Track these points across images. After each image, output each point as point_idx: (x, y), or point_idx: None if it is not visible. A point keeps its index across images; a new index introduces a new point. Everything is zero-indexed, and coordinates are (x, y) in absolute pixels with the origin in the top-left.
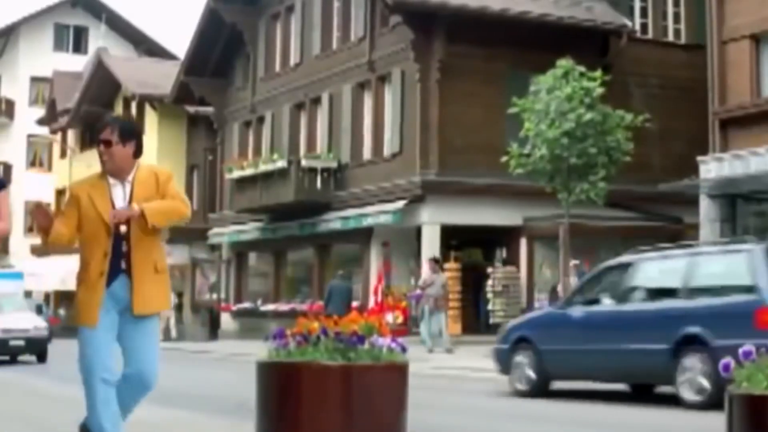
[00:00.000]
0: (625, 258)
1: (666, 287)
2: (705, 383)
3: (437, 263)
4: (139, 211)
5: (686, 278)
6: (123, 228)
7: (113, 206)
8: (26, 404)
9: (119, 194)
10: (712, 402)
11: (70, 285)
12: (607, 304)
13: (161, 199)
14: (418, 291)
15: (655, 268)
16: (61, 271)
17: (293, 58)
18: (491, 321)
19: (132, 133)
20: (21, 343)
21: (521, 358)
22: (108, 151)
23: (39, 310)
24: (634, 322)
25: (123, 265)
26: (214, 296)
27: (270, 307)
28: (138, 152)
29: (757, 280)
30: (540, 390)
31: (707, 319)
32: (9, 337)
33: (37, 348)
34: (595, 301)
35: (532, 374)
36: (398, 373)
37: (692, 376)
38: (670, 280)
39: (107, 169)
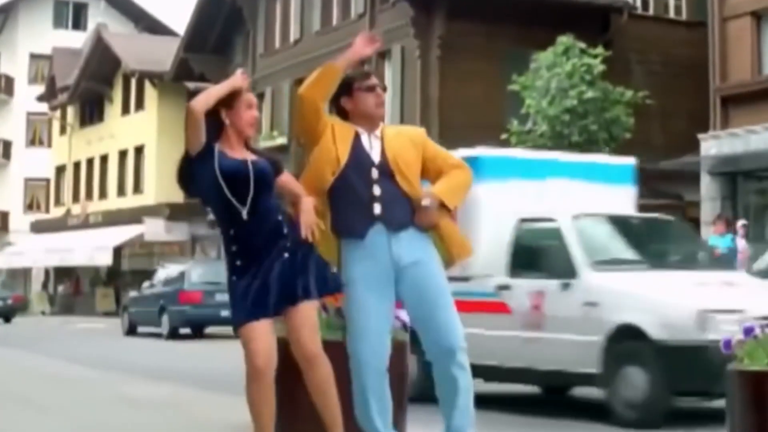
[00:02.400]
0: None
1: None
2: None
3: None
4: (435, 202)
5: None
6: (375, 173)
7: (362, 152)
8: None
9: (367, 144)
10: None
11: (69, 262)
12: None
13: (423, 160)
14: None
15: None
16: (60, 248)
17: (293, 35)
18: None
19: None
20: None
21: None
22: (381, 97)
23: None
24: None
25: (379, 212)
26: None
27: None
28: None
29: None
30: None
31: None
32: None
33: None
34: None
35: None
36: (399, 349)
37: None
38: None
39: (382, 113)
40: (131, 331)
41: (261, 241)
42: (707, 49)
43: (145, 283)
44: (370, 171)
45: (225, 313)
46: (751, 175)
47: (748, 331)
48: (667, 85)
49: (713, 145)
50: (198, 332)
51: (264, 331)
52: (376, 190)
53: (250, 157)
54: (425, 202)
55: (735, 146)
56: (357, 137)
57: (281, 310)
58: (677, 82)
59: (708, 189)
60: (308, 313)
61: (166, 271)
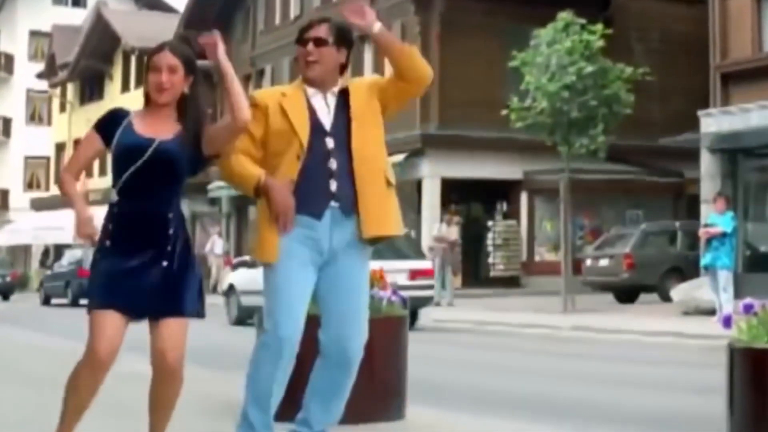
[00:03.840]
0: None
1: None
2: None
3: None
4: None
5: None
6: (330, 143)
7: (314, 120)
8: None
9: (321, 105)
10: None
11: (69, 239)
12: None
13: (379, 96)
14: (433, 244)
15: None
16: (60, 226)
17: (293, 11)
18: (491, 274)
19: (348, 41)
20: None
21: None
22: (319, 50)
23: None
24: None
25: (333, 188)
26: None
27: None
28: (346, 66)
29: None
30: None
31: None
32: None
33: None
34: None
35: None
36: (398, 326)
37: None
38: None
39: (312, 75)
40: (46, 302)
41: (138, 231)
42: (707, 27)
43: (56, 264)
44: (324, 141)
45: None
46: (752, 153)
47: (747, 308)
48: (667, 63)
49: (713, 122)
50: None
51: (117, 324)
52: (332, 163)
53: (164, 134)
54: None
55: (735, 123)
56: (309, 102)
57: (147, 318)
58: (677, 59)
59: (708, 166)
60: (179, 329)
61: (71, 253)
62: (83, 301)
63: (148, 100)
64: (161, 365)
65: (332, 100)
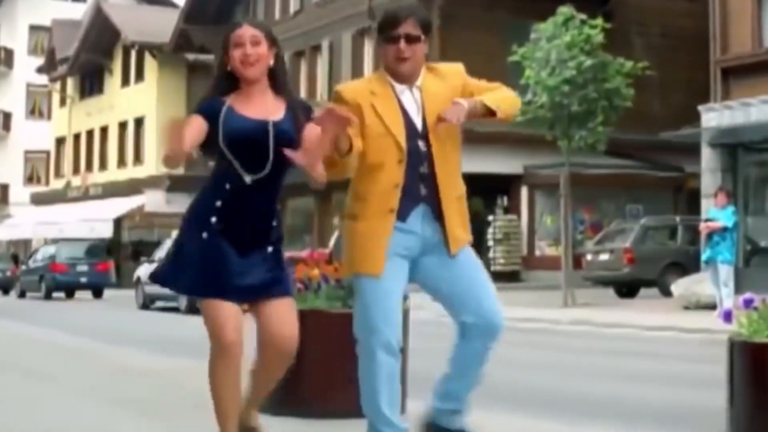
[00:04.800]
0: None
1: None
2: None
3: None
4: (471, 106)
5: None
6: (422, 145)
7: (408, 121)
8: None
9: (410, 102)
10: None
11: (69, 234)
12: None
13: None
14: None
15: None
16: (60, 221)
17: (293, 5)
18: (492, 269)
19: (430, 28)
20: None
21: None
22: (411, 47)
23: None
24: None
25: (423, 192)
26: None
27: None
28: (427, 56)
29: None
30: None
31: None
32: None
33: None
34: None
35: None
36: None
37: None
38: None
39: (405, 71)
40: (22, 295)
41: (252, 214)
42: (708, 21)
43: (30, 260)
44: (418, 143)
45: (84, 279)
46: (752, 147)
47: (748, 303)
48: (667, 57)
49: (714, 116)
50: (69, 295)
51: (235, 309)
52: (424, 167)
53: (274, 114)
54: (459, 100)
55: (735, 118)
56: (399, 101)
57: (253, 301)
58: (678, 53)
59: (708, 161)
60: (291, 308)
61: (44, 249)
62: (56, 295)
63: (234, 82)
64: (281, 347)
65: (418, 95)
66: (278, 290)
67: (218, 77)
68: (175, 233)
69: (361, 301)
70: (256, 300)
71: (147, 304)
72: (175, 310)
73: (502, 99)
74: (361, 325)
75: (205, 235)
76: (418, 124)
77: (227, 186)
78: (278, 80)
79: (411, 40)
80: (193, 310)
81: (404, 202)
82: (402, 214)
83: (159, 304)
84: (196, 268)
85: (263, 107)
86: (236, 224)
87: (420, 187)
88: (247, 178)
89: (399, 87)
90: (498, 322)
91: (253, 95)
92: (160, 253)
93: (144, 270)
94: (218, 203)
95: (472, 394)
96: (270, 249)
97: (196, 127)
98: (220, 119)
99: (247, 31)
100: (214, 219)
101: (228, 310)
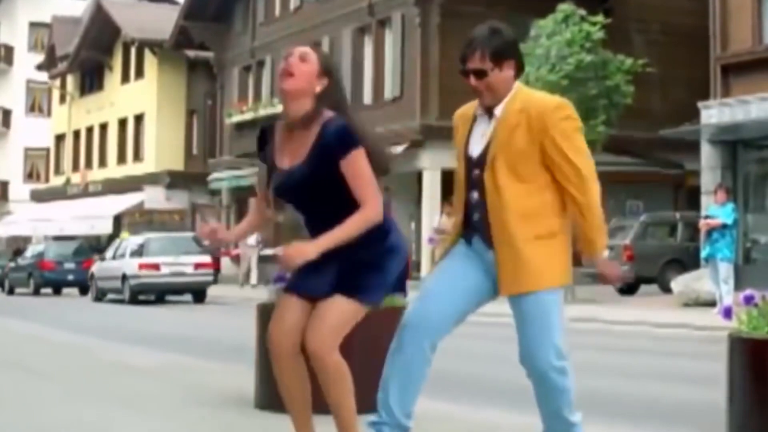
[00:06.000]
0: None
1: None
2: None
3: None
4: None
5: None
6: (477, 173)
7: (467, 148)
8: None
9: (479, 128)
10: None
11: (69, 231)
12: None
13: (532, 147)
14: (434, 235)
15: None
16: (60, 218)
17: (293, 2)
18: None
19: (510, 52)
20: None
21: None
22: (483, 83)
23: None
24: None
25: (476, 218)
26: None
27: (270, 251)
28: (520, 70)
29: None
30: None
31: None
32: None
33: None
34: None
35: None
36: (398, 317)
37: None
38: None
39: (487, 104)
40: (10, 292)
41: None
42: (708, 18)
43: (19, 257)
44: (471, 169)
45: (71, 277)
46: (751, 144)
47: (748, 300)
48: (667, 54)
49: (713, 113)
50: (56, 291)
51: (291, 308)
52: (474, 195)
53: (299, 155)
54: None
55: (735, 115)
56: (473, 124)
57: (317, 296)
58: (677, 50)
59: (708, 158)
60: (329, 311)
61: (33, 247)
62: (45, 291)
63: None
64: (304, 348)
65: (492, 122)
66: (335, 289)
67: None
68: (125, 235)
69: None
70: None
71: (99, 297)
72: (122, 301)
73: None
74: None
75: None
76: (475, 151)
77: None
78: (318, 108)
79: (479, 75)
80: (133, 301)
81: (467, 228)
82: (467, 239)
83: (110, 296)
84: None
85: (292, 148)
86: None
87: (474, 215)
88: (302, 219)
89: (479, 111)
90: (537, 366)
91: (292, 129)
92: (110, 253)
93: (96, 267)
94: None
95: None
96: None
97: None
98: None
99: (300, 48)
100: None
101: (285, 305)
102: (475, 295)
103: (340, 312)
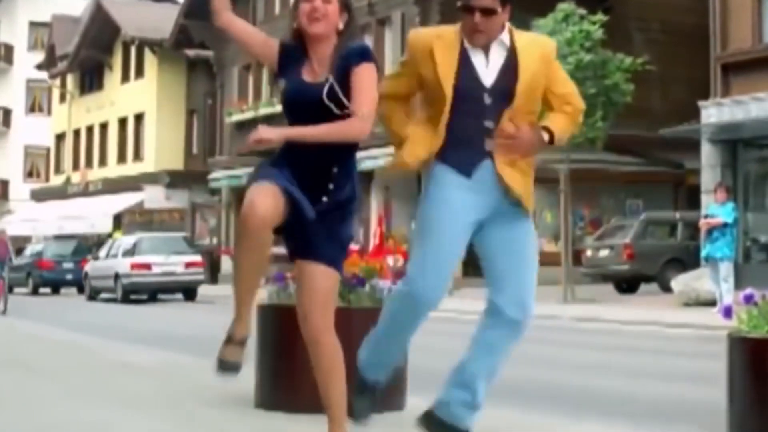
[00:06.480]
0: None
1: None
2: None
3: None
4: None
5: None
6: (487, 99)
7: (471, 73)
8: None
9: (480, 63)
10: None
11: (69, 230)
12: None
13: (545, 86)
14: None
15: None
16: (60, 217)
17: (293, 1)
18: None
19: None
20: None
21: None
22: (487, 20)
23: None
24: None
25: (490, 147)
26: (215, 240)
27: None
28: (512, 13)
29: None
30: None
31: None
32: None
33: None
34: None
35: None
36: None
37: None
38: None
39: (478, 44)
40: (9, 291)
41: (307, 164)
42: (708, 17)
43: (18, 257)
44: (482, 97)
45: (69, 276)
46: (752, 143)
47: (748, 299)
48: (667, 53)
49: (714, 112)
50: (55, 291)
51: (273, 191)
52: (487, 123)
53: (322, 74)
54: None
55: (735, 114)
56: (463, 54)
57: (296, 255)
58: (678, 49)
59: (708, 157)
60: (323, 282)
61: (32, 246)
62: (43, 290)
63: (300, 41)
64: (303, 328)
65: (502, 53)
66: (314, 253)
67: (289, 36)
68: (117, 235)
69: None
70: (296, 251)
71: (93, 296)
72: (114, 300)
73: (567, 129)
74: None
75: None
76: (488, 80)
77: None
78: (342, 43)
79: (487, 13)
80: (125, 300)
81: (467, 154)
82: (466, 170)
83: (103, 295)
84: (255, 172)
85: (320, 67)
86: (296, 164)
87: (486, 142)
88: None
89: (469, 44)
90: (521, 319)
91: (314, 54)
92: (103, 253)
93: (90, 266)
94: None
95: (486, 388)
96: (325, 198)
97: (259, 35)
98: (284, 83)
99: None
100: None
101: (266, 188)
102: (467, 236)
103: (330, 289)
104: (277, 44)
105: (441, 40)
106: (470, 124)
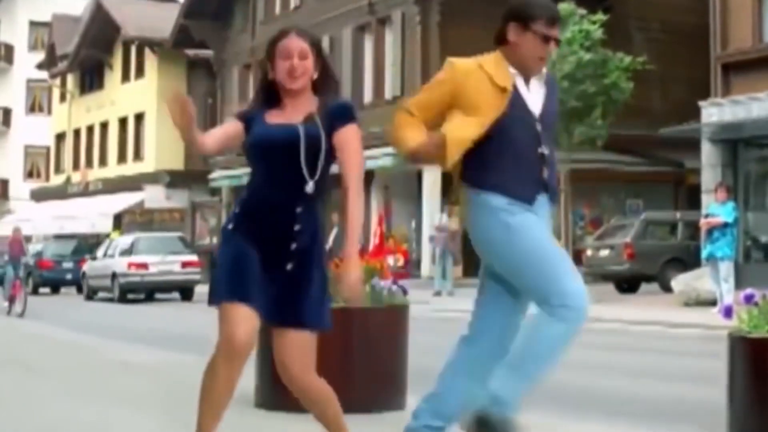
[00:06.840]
0: None
1: None
2: None
3: (454, 205)
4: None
5: None
6: (539, 127)
7: (521, 102)
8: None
9: (528, 91)
10: None
11: (70, 229)
12: None
13: None
14: (434, 233)
15: None
16: (60, 216)
17: (293, 1)
18: None
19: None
20: None
21: None
22: (549, 55)
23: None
24: None
25: (546, 175)
26: (215, 240)
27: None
28: None
29: None
30: None
31: None
32: None
33: None
34: None
35: None
36: (399, 316)
37: None
38: None
39: (539, 72)
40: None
41: (261, 222)
42: (708, 16)
43: None
44: (534, 125)
45: (69, 276)
46: (752, 143)
47: (748, 299)
48: (667, 52)
49: (714, 112)
50: (55, 290)
51: (249, 314)
52: (543, 150)
53: (296, 119)
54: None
55: (736, 113)
56: (514, 85)
57: (270, 323)
58: (678, 49)
59: (708, 156)
60: (301, 341)
61: (31, 247)
62: (42, 290)
63: (275, 91)
64: (285, 378)
65: (537, 86)
66: (289, 319)
67: (261, 87)
68: (115, 235)
69: None
70: (270, 322)
71: (90, 295)
72: (111, 300)
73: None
74: None
75: (222, 240)
76: (537, 109)
77: (244, 194)
78: (320, 88)
79: (557, 44)
80: (122, 299)
81: (528, 185)
82: (530, 198)
83: (100, 295)
84: (219, 272)
85: (293, 114)
86: (250, 230)
87: (544, 171)
88: (267, 184)
89: (513, 71)
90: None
91: (289, 103)
92: (100, 252)
93: (87, 266)
94: (237, 210)
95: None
96: (289, 266)
97: (226, 128)
98: (251, 130)
99: (295, 44)
100: (231, 225)
101: (239, 312)
102: None
103: (306, 340)
104: (240, 122)
105: (500, 70)
106: (524, 152)
